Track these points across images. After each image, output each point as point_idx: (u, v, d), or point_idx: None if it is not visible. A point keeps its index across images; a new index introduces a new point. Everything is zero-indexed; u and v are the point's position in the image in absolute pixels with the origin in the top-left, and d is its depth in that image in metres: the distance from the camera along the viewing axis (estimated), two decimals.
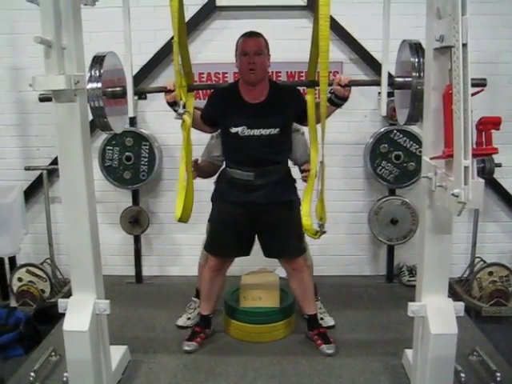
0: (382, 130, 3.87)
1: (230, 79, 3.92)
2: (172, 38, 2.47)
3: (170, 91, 2.72)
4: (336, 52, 3.84)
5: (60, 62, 2.09)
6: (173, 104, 2.74)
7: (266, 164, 2.88)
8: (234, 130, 2.83)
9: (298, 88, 3.01)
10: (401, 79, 2.64)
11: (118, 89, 2.69)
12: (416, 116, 2.50)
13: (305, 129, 3.03)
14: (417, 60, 2.44)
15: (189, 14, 3.72)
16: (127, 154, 3.89)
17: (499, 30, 3.79)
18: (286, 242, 3.00)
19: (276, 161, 2.91)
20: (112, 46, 3.70)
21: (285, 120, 2.88)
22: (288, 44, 3.84)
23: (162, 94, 3.83)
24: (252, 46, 2.74)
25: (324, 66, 2.44)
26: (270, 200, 2.89)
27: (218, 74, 3.95)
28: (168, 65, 3.87)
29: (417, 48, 2.48)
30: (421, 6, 2.32)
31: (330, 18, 2.36)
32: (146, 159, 3.92)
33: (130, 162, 3.90)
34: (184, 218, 2.71)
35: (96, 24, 3.60)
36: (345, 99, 2.76)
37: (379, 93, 2.78)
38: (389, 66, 2.71)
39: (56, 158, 2.34)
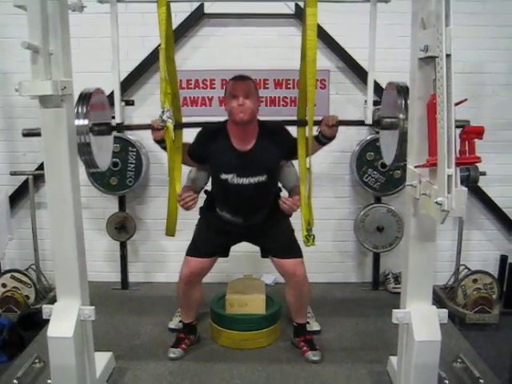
0: (368, 138, 3.90)
1: (218, 86, 3.94)
2: (159, 45, 2.47)
3: (157, 129, 2.75)
4: (323, 60, 3.86)
5: (47, 68, 2.09)
6: (160, 142, 2.78)
7: (255, 208, 2.99)
8: (223, 176, 2.89)
9: (290, 136, 2.97)
10: (388, 120, 2.67)
11: (103, 125, 2.70)
12: (403, 156, 2.50)
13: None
14: (404, 102, 2.48)
15: (177, 20, 3.73)
16: (114, 159, 3.87)
17: (483, 40, 3.84)
18: (282, 242, 3.04)
19: (264, 204, 3.00)
20: (99, 51, 3.74)
21: (273, 166, 2.97)
22: (275, 52, 3.88)
23: (150, 100, 3.91)
24: (241, 89, 2.77)
25: (311, 75, 2.46)
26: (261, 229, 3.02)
27: (206, 80, 3.96)
28: (155, 71, 3.87)
29: (404, 90, 2.52)
30: (406, 15, 2.35)
31: (317, 27, 2.38)
32: (132, 165, 3.91)
33: (117, 168, 3.89)
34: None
35: (84, 30, 3.60)
36: (332, 138, 2.86)
37: (365, 101, 2.82)
38: (375, 75, 2.74)
39: (42, 164, 2.33)
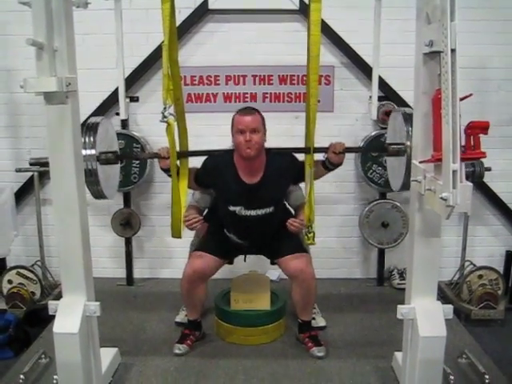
0: (373, 133, 3.89)
1: (222, 82, 3.94)
2: (163, 41, 2.47)
3: (164, 158, 2.78)
4: (327, 56, 3.86)
5: (51, 64, 2.09)
6: (167, 170, 2.79)
7: (262, 235, 3.07)
8: (231, 208, 2.95)
9: (297, 161, 2.98)
10: (395, 146, 2.67)
11: (110, 154, 2.72)
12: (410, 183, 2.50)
13: None
14: (411, 129, 2.48)
15: (181, 16, 3.72)
16: None
17: (489, 35, 3.81)
18: (287, 243, 3.04)
19: (272, 230, 3.05)
20: (104, 48, 3.74)
21: (280, 197, 3.04)
22: (280, 48, 3.87)
23: (154, 97, 3.91)
24: (248, 124, 2.78)
25: (314, 70, 2.46)
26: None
27: (210, 77, 3.96)
28: (160, 68, 3.84)
29: (410, 117, 2.52)
30: (411, 11, 2.34)
31: (321, 23, 2.38)
32: (137, 162, 3.92)
33: (122, 165, 3.87)
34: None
35: (88, 26, 3.60)
36: (338, 165, 2.89)
37: (370, 97, 2.81)
38: (379, 70, 2.73)
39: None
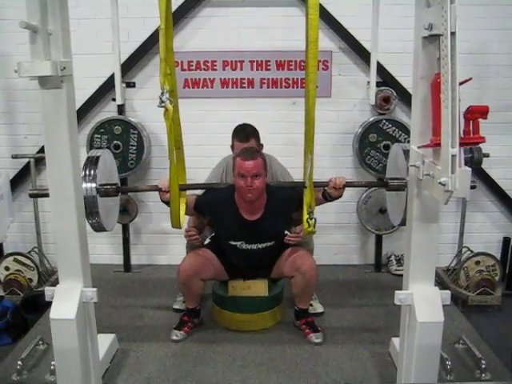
0: (370, 119, 3.87)
1: (219, 67, 3.91)
2: (160, 26, 2.44)
3: (164, 192, 2.75)
4: (325, 41, 3.83)
5: (46, 48, 2.06)
6: (167, 203, 2.73)
7: (262, 266, 3.13)
8: (232, 243, 2.98)
9: (296, 190, 2.94)
10: (395, 181, 2.66)
11: (110, 187, 2.69)
12: None
13: None
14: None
15: (178, 1, 3.69)
16: (115, 142, 3.86)
17: (488, 20, 3.79)
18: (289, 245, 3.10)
19: (272, 262, 3.10)
20: (100, 33, 3.70)
21: (281, 232, 3.04)
22: (278, 33, 3.83)
23: (151, 82, 3.88)
24: (250, 170, 2.77)
25: (313, 55, 2.43)
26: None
27: (207, 61, 3.92)
28: (156, 53, 3.80)
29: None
30: None
31: (319, 7, 2.35)
32: (134, 147, 3.90)
33: (119, 151, 3.88)
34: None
35: (84, 11, 3.57)
36: (338, 198, 2.89)
37: (368, 82, 2.79)
38: (377, 56, 2.71)
39: (43, 147, 2.32)
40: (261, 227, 2.95)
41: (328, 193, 2.85)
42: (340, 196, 2.87)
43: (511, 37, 3.86)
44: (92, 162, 2.58)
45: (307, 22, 2.40)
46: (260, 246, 3.00)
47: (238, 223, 2.96)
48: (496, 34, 3.83)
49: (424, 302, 2.33)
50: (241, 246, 2.99)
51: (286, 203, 2.97)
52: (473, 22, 3.66)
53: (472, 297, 3.62)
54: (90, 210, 2.52)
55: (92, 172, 2.54)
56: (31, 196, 2.85)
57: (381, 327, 3.16)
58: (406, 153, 2.49)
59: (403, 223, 2.57)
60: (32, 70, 2.05)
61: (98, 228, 2.64)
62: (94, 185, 2.52)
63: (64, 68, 2.12)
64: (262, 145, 3.33)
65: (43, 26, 2.03)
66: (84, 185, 2.49)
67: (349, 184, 2.89)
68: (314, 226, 2.68)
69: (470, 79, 1.94)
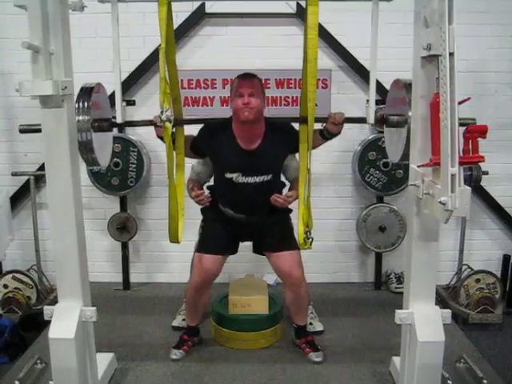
0: (370, 137, 3.89)
1: (219, 86, 3.93)
2: (160, 44, 2.46)
3: (159, 126, 2.67)
4: (325, 59, 3.86)
5: (47, 68, 2.08)
6: (163, 138, 2.69)
7: (258, 206, 2.95)
8: (228, 175, 2.87)
9: (294, 128, 2.94)
10: (394, 117, 2.63)
11: (104, 121, 2.66)
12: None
13: None
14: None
15: (178, 20, 3.72)
16: (115, 160, 3.86)
17: (487, 39, 3.82)
18: (279, 238, 3.01)
19: (268, 202, 2.91)
20: (100, 51, 3.72)
21: (279, 165, 2.97)
22: (277, 51, 3.86)
23: (151, 100, 3.89)
24: (247, 87, 2.74)
25: (312, 74, 2.44)
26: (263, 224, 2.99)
27: (207, 80, 3.95)
28: (157, 71, 3.82)
29: (410, 86, 2.48)
30: (409, 14, 2.34)
31: (318, 27, 2.37)
32: (134, 165, 3.91)
33: (118, 168, 3.88)
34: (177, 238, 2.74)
35: (85, 29, 3.59)
36: (337, 135, 2.84)
37: (367, 100, 2.80)
38: (377, 74, 2.73)
39: (43, 164, 2.32)
40: (258, 157, 2.85)
41: (327, 129, 2.78)
42: (339, 133, 2.81)
43: (510, 55, 3.89)
44: (86, 94, 2.50)
45: (307, 41, 2.42)
46: (257, 179, 2.86)
47: (235, 152, 2.85)
48: (494, 53, 3.87)
49: (424, 321, 2.32)
50: (237, 179, 2.85)
51: (285, 138, 2.88)
52: (471, 40, 3.68)
53: (473, 315, 3.61)
54: (85, 144, 2.45)
55: (86, 104, 2.46)
56: (21, 131, 2.74)
57: (381, 346, 3.14)
58: (407, 87, 2.46)
59: (404, 158, 2.53)
60: (33, 90, 2.07)
61: (92, 163, 2.58)
62: (87, 117, 2.44)
63: (65, 87, 2.14)
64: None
65: (45, 46, 2.05)
66: (77, 117, 2.42)
67: (348, 120, 2.81)
68: (311, 245, 2.66)
69: (469, 99, 1.95)
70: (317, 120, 2.67)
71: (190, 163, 3.16)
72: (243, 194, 2.89)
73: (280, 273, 3.02)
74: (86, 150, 2.49)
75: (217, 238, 3.03)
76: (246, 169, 2.85)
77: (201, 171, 3.17)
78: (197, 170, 3.18)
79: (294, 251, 2.98)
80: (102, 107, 2.68)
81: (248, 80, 2.79)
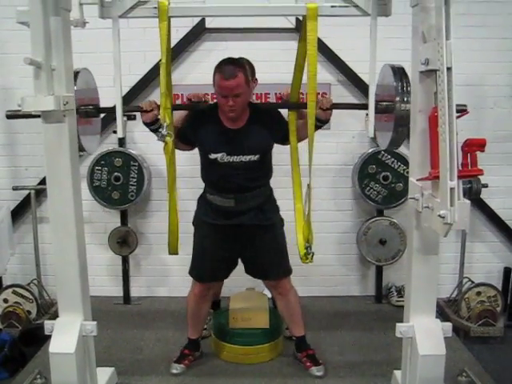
0: (369, 150, 3.90)
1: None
2: (161, 59, 2.49)
3: (146, 111, 2.69)
4: (324, 74, 3.87)
5: (49, 83, 2.10)
6: (149, 124, 2.70)
7: (246, 190, 2.84)
8: (213, 156, 2.78)
9: (279, 110, 2.94)
10: (384, 103, 2.62)
11: (90, 107, 2.67)
12: (399, 141, 2.49)
13: None
14: (400, 84, 2.45)
15: (178, 35, 3.75)
16: (116, 174, 3.88)
17: (484, 53, 3.85)
18: (270, 264, 2.97)
19: (256, 186, 2.86)
20: (102, 66, 3.74)
21: (265, 146, 2.86)
22: (277, 65, 3.87)
23: None
24: (230, 89, 2.62)
25: (312, 90, 2.46)
26: (252, 223, 2.87)
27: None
28: (157, 86, 3.86)
29: (400, 72, 2.49)
30: (407, 29, 2.36)
31: (317, 41, 2.40)
32: (134, 179, 3.91)
33: (119, 183, 3.89)
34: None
35: (86, 45, 3.61)
36: (326, 122, 2.79)
37: (367, 114, 2.81)
38: (376, 88, 2.74)
39: (44, 178, 2.33)
40: (244, 136, 2.76)
41: (316, 117, 2.66)
42: (328, 119, 2.76)
43: (508, 69, 3.91)
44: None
45: (301, 54, 2.44)
46: (243, 158, 2.75)
47: (219, 132, 2.77)
48: (492, 66, 3.89)
49: (425, 334, 2.32)
50: (222, 159, 2.74)
51: (271, 123, 2.82)
52: (469, 54, 3.71)
53: (474, 328, 3.60)
54: None
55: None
56: (8, 117, 2.71)
57: (382, 359, 3.13)
58: (395, 72, 2.47)
59: (392, 143, 2.53)
60: (35, 105, 2.09)
61: (79, 149, 2.52)
62: None
63: (67, 103, 2.16)
64: (256, 79, 3.27)
65: (47, 62, 2.08)
66: None
67: (335, 106, 2.74)
68: (312, 259, 2.70)
69: (467, 112, 1.97)
70: (304, 106, 2.66)
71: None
72: (230, 175, 2.79)
73: (267, 284, 3.12)
74: None
75: (208, 265, 2.99)
76: (231, 148, 2.76)
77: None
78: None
79: (287, 278, 3.04)
80: (88, 93, 2.68)
81: (232, 80, 2.62)
